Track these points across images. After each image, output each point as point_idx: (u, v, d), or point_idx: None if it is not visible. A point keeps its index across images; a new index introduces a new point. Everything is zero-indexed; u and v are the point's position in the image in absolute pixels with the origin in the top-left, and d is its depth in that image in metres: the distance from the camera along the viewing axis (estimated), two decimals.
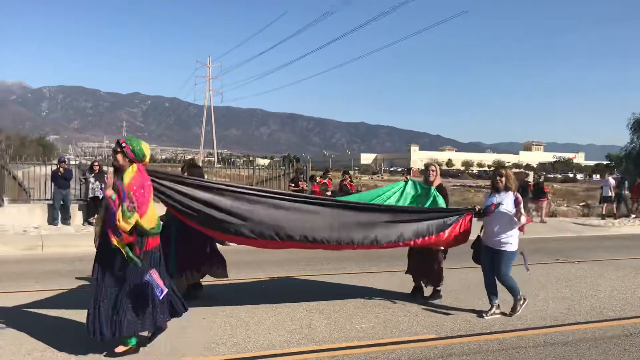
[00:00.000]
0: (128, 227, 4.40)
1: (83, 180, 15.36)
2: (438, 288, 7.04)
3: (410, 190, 6.88)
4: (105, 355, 4.71)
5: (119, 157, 4.66)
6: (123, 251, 4.47)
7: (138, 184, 4.54)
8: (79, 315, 5.48)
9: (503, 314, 6.35)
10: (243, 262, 9.49)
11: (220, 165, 32.97)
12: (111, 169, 5.01)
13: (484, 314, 6.28)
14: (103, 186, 6.10)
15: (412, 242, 6.28)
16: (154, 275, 4.57)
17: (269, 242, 5.80)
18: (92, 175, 14.65)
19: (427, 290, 7.21)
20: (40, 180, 15.81)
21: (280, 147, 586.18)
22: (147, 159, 4.79)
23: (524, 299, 6.44)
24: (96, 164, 15.32)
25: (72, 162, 32.23)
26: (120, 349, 4.72)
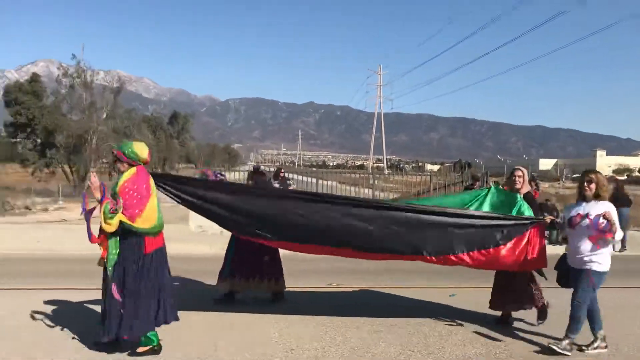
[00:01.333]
0: (110, 228, 4.47)
1: None
2: (541, 308, 6.05)
3: (492, 198, 6.09)
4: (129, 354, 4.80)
5: (118, 164, 4.77)
6: (101, 251, 4.66)
7: (130, 185, 4.59)
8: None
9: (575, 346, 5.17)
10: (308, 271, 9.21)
11: (389, 172, 33.84)
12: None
13: (584, 348, 5.16)
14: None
15: (464, 257, 5.42)
16: (113, 288, 4.59)
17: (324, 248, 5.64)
18: (277, 181, 15.80)
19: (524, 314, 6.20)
20: None
21: (450, 153, 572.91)
22: (145, 158, 4.80)
23: (602, 340, 5.22)
24: (282, 170, 16.45)
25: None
26: (141, 349, 4.80)
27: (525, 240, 5.41)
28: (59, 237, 13.07)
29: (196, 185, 5.60)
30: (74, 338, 5.23)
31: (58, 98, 29.81)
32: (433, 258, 5.44)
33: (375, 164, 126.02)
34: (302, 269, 9.10)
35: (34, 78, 31.11)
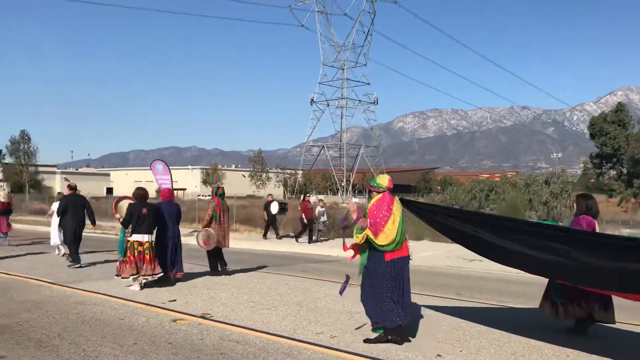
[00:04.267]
0: (357, 240, 5.61)
1: None
2: None
3: None
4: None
5: (373, 193, 5.87)
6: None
7: (376, 207, 5.65)
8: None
9: None
10: None
11: None
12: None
13: None
14: None
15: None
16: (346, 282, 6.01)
17: None
18: None
19: None
20: None
21: None
22: (387, 186, 5.77)
23: None
24: None
25: None
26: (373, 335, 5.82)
27: None
28: None
29: (435, 210, 6.97)
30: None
31: None
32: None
33: None
34: None
35: (619, 107, 31.81)
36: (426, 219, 6.73)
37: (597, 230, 6.11)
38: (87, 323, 6.50)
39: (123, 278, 8.72)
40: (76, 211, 11.64)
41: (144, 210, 8.83)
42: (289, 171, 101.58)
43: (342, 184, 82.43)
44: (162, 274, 8.96)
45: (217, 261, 10.59)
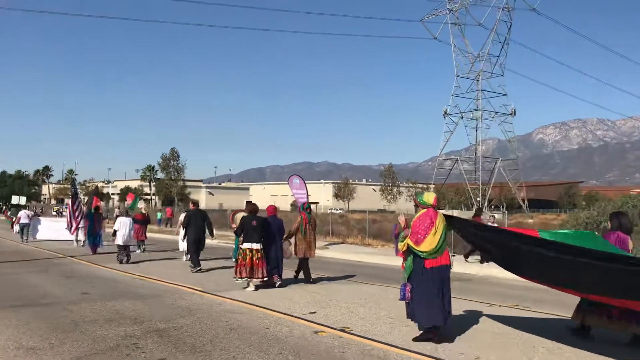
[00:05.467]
0: (401, 247, 6.45)
1: None
2: None
3: None
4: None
5: (418, 208, 6.66)
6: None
7: (419, 220, 6.38)
8: None
9: None
10: None
11: None
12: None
13: None
14: None
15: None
16: (407, 288, 6.43)
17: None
18: None
19: None
20: None
21: None
22: (432, 203, 6.50)
23: None
24: None
25: None
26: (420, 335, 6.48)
27: None
28: None
29: (468, 225, 7.33)
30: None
31: None
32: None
33: None
34: None
35: None
36: (461, 234, 7.59)
37: (630, 245, 6.64)
38: (236, 331, 6.83)
39: (238, 280, 9.97)
40: (197, 223, 13.29)
41: (254, 223, 10.07)
42: (420, 185, 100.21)
43: (477, 199, 79.36)
44: (267, 278, 10.09)
45: (306, 269, 11.47)
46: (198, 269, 12.86)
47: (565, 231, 7.23)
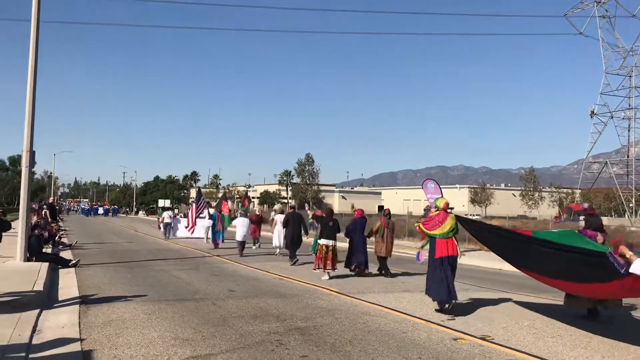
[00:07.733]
0: (418, 230, 8.87)
1: None
2: None
3: None
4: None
5: (432, 209, 9.04)
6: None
7: (431, 218, 8.68)
8: None
9: None
10: None
11: None
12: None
13: None
14: None
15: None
16: (421, 254, 9.43)
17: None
18: None
19: None
20: None
21: None
22: (442, 207, 8.62)
23: None
24: None
25: None
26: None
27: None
28: None
29: (478, 225, 9.10)
30: None
31: None
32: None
33: None
34: None
35: None
36: (472, 233, 9.25)
37: (600, 240, 7.93)
38: (374, 333, 6.89)
39: (316, 270, 12.32)
40: (294, 223, 15.80)
41: (330, 223, 12.49)
42: (565, 190, 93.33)
43: (630, 205, 71.99)
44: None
45: (384, 265, 13.25)
46: (295, 260, 15.01)
47: (553, 231, 9.23)
